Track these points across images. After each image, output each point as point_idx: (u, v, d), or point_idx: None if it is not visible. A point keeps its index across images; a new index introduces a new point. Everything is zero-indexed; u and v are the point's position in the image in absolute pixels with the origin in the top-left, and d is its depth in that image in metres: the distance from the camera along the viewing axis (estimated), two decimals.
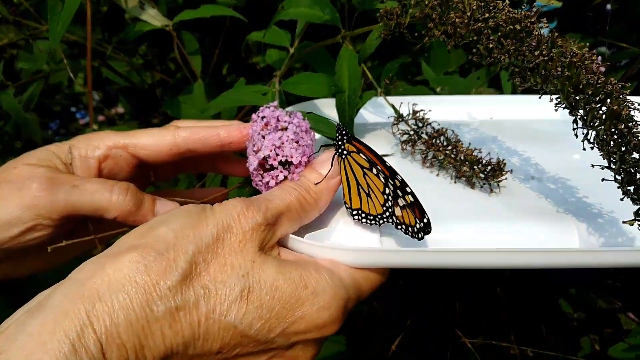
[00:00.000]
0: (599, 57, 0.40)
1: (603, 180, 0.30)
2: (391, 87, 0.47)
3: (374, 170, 0.35)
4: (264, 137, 0.37)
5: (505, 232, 0.36)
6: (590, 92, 0.28)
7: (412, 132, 0.44)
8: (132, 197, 0.37)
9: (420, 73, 0.85)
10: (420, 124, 0.44)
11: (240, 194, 0.54)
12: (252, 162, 0.36)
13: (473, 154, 0.41)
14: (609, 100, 0.27)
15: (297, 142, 0.36)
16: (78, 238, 0.39)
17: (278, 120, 0.37)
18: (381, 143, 0.47)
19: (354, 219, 0.36)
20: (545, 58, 0.29)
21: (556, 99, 0.31)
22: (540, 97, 0.32)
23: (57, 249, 0.39)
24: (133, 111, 1.16)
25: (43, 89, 0.97)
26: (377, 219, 0.35)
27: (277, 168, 0.36)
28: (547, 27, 0.31)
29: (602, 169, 0.29)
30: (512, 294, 0.91)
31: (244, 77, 1.25)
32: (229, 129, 0.40)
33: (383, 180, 0.35)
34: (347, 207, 0.37)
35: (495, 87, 0.74)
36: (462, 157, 0.40)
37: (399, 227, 0.35)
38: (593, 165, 0.30)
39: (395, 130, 0.45)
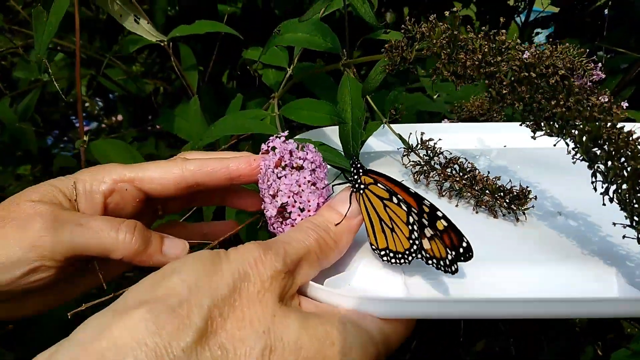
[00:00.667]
0: (599, 64, 0.40)
1: (624, 237, 0.28)
2: (397, 117, 0.46)
3: (395, 200, 0.33)
4: (279, 178, 0.35)
5: (540, 277, 0.33)
6: (612, 149, 0.26)
7: (423, 163, 0.42)
8: (139, 237, 0.35)
9: (417, 80, 0.84)
10: (431, 154, 0.42)
11: (250, 230, 0.52)
12: (270, 209, 0.35)
13: (493, 182, 0.39)
14: (631, 158, 0.26)
15: (314, 184, 0.35)
16: (82, 277, 0.38)
17: (291, 154, 0.36)
18: (393, 173, 0.45)
19: (382, 260, 0.34)
20: (563, 109, 0.28)
21: (573, 149, 0.29)
22: (555, 145, 0.31)
23: (61, 288, 0.37)
24: (132, 119, 1.15)
25: (43, 97, 0.96)
26: (405, 256, 0.33)
27: (295, 218, 0.34)
28: (562, 72, 0.29)
29: (624, 227, 0.28)
30: None
31: (242, 86, 1.25)
32: (239, 162, 0.38)
33: (405, 209, 0.33)
34: (373, 249, 0.34)
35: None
36: (482, 187, 0.39)
37: (430, 262, 0.33)
38: (614, 224, 0.29)
39: (406, 162, 0.43)
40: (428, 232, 0.32)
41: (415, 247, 0.32)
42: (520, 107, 0.30)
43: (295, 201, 0.34)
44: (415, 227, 0.32)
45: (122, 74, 0.98)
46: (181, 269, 0.28)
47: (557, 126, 0.29)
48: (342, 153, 0.44)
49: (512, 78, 0.30)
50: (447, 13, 0.35)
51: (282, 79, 0.57)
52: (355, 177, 0.34)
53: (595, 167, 0.28)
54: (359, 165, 0.35)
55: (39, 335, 0.63)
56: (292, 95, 0.59)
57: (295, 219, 0.34)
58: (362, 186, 0.34)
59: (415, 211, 0.33)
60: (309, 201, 0.34)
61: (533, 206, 0.39)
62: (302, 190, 0.34)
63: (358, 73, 0.45)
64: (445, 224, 0.32)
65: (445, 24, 0.35)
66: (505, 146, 0.49)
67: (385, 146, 0.49)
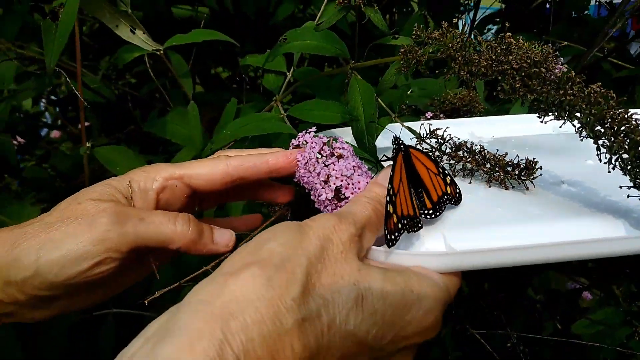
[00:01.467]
0: (561, 59, 0.46)
1: (629, 197, 0.35)
2: (406, 112, 0.51)
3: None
4: (326, 166, 0.39)
5: (562, 229, 0.39)
6: (614, 126, 0.32)
7: (435, 149, 0.47)
8: (194, 228, 0.38)
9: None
10: (441, 141, 0.47)
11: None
12: (325, 193, 0.39)
13: (503, 158, 0.44)
14: (631, 132, 0.32)
15: (359, 167, 0.40)
16: (133, 267, 0.41)
17: (325, 145, 0.40)
18: None
19: (426, 218, 0.39)
20: (570, 97, 0.34)
21: (579, 129, 0.35)
22: (561, 127, 0.37)
23: (114, 280, 0.40)
24: (100, 125, 1.15)
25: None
26: (443, 201, 0.40)
27: (348, 197, 0.39)
28: (565, 66, 0.35)
29: (629, 188, 0.34)
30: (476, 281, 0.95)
31: (205, 85, 1.26)
32: (277, 156, 0.42)
33: (434, 163, 0.40)
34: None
35: (467, 85, 0.79)
36: (493, 163, 0.44)
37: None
38: (621, 187, 0.35)
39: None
40: (448, 179, 0.40)
41: (449, 190, 0.40)
42: (531, 97, 0.36)
43: (348, 183, 0.39)
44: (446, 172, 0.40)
45: (96, 80, 0.99)
46: (275, 236, 0.32)
47: (565, 111, 0.35)
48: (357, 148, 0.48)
49: (523, 73, 0.36)
50: (448, 23, 0.40)
51: (282, 82, 0.61)
52: (397, 150, 0.40)
53: (600, 142, 0.34)
54: (401, 141, 0.40)
55: (52, 336, 0.65)
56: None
57: (349, 197, 0.39)
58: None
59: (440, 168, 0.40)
60: (359, 182, 0.39)
61: (541, 174, 0.44)
62: (352, 174, 0.39)
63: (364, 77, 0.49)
64: (450, 179, 0.40)
65: (454, 30, 0.40)
66: (493, 137, 0.55)
67: (387, 143, 0.54)
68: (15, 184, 1.05)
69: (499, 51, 0.37)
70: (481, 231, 0.39)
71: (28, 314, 0.38)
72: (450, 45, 0.39)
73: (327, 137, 0.41)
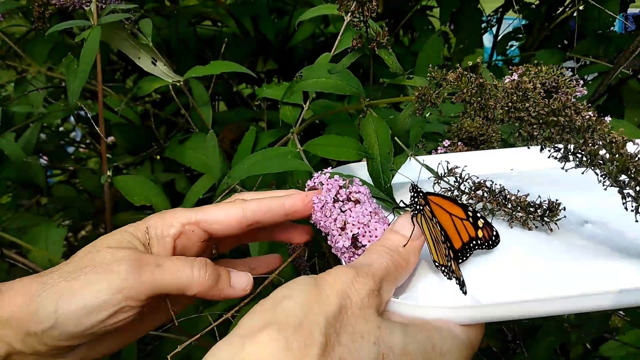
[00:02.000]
0: (581, 82, 0.44)
1: None
2: (421, 149, 0.50)
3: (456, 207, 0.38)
4: (343, 212, 0.39)
5: (588, 275, 0.37)
6: (639, 177, 0.32)
7: (454, 188, 0.47)
8: (211, 273, 0.38)
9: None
10: (459, 179, 0.46)
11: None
12: (342, 241, 0.38)
13: (525, 198, 0.43)
14: None
15: (377, 214, 0.39)
16: (152, 312, 0.40)
17: (342, 188, 0.40)
18: None
19: (445, 274, 0.37)
20: (590, 147, 0.33)
21: (601, 176, 0.34)
22: (583, 174, 0.36)
23: (132, 328, 0.40)
24: (127, 145, 1.17)
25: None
26: (470, 246, 0.38)
27: (365, 244, 0.38)
28: (589, 112, 0.34)
29: None
30: None
31: (228, 103, 1.27)
32: (293, 199, 0.41)
33: (462, 208, 0.38)
34: (437, 265, 0.38)
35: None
36: (514, 204, 0.43)
37: (483, 246, 0.39)
38: None
39: (438, 189, 0.48)
40: (480, 222, 0.38)
41: (479, 234, 0.38)
42: (550, 145, 0.35)
43: (365, 231, 0.38)
44: (477, 216, 0.39)
45: (119, 102, 1.01)
46: (291, 294, 0.31)
47: (585, 159, 0.34)
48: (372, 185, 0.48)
49: (541, 120, 0.35)
50: (470, 63, 0.39)
51: (298, 115, 0.61)
52: (416, 199, 0.38)
53: (625, 192, 0.33)
54: (419, 189, 0.39)
55: None
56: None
57: (366, 245, 0.38)
58: (422, 206, 0.38)
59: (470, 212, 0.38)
60: (375, 229, 0.38)
61: (565, 216, 0.43)
62: (369, 221, 0.38)
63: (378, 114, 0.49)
64: (483, 221, 0.38)
65: (469, 73, 0.39)
66: (512, 169, 0.54)
67: (404, 177, 0.53)
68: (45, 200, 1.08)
69: (514, 98, 0.36)
70: (504, 280, 0.38)
71: None
72: (465, 90, 0.38)
73: (344, 179, 0.41)
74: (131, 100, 1.07)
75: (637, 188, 0.31)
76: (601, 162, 0.33)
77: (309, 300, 0.30)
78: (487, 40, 1.72)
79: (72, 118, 1.38)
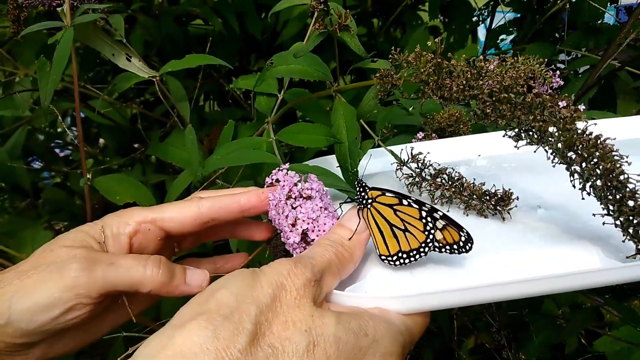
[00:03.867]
0: (557, 72, 0.44)
1: (604, 224, 0.33)
2: (388, 135, 0.50)
3: (405, 202, 0.38)
4: (294, 208, 0.39)
5: (533, 260, 0.38)
6: (585, 153, 0.31)
7: (415, 175, 0.46)
8: (164, 270, 0.38)
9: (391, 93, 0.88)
10: (421, 166, 0.46)
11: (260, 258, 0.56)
12: (293, 237, 0.39)
13: (480, 187, 0.43)
14: (601, 159, 0.31)
15: (326, 209, 0.39)
16: (110, 314, 0.41)
17: (296, 185, 0.40)
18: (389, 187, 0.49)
19: (395, 264, 0.38)
20: (540, 123, 0.32)
21: (551, 154, 0.34)
22: (535, 152, 0.35)
23: (90, 327, 0.40)
24: (115, 147, 1.17)
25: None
26: (421, 250, 0.37)
27: (314, 239, 0.38)
28: (535, 91, 0.34)
29: (603, 216, 0.33)
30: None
31: (221, 102, 1.27)
32: (249, 196, 0.42)
33: (417, 206, 0.37)
34: (383, 258, 0.38)
35: (465, 104, 0.77)
36: (470, 192, 0.43)
37: (444, 249, 0.37)
38: (594, 214, 0.33)
39: (400, 175, 0.47)
40: (440, 223, 0.37)
41: (430, 238, 0.37)
42: (502, 122, 0.34)
43: (314, 226, 0.39)
44: (429, 219, 0.37)
45: (106, 104, 1.01)
46: (226, 284, 0.31)
47: (535, 137, 0.33)
48: (335, 174, 0.48)
49: (493, 98, 0.34)
50: (429, 43, 0.39)
51: (273, 104, 0.61)
52: (363, 194, 0.39)
53: (572, 169, 0.33)
54: (363, 184, 0.39)
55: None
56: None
57: (314, 240, 0.39)
58: (369, 200, 0.38)
59: (426, 209, 0.37)
60: (324, 224, 0.39)
61: (516, 206, 0.43)
62: (319, 216, 0.39)
63: (349, 100, 0.49)
64: (444, 222, 0.37)
65: (429, 53, 0.39)
66: (479, 155, 0.54)
67: (377, 167, 0.53)
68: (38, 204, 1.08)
69: (469, 76, 0.35)
70: (452, 267, 0.38)
71: None
72: (423, 70, 0.38)
73: (300, 175, 0.41)
74: (121, 101, 1.08)
75: (583, 164, 0.31)
76: (550, 139, 0.33)
77: (242, 290, 0.31)
78: (482, 34, 1.71)
79: (68, 120, 1.38)
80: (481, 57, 0.36)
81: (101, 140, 1.33)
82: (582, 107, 0.35)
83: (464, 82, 0.36)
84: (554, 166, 0.34)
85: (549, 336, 0.98)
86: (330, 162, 0.53)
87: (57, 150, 1.39)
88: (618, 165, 0.31)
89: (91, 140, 1.37)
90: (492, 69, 0.36)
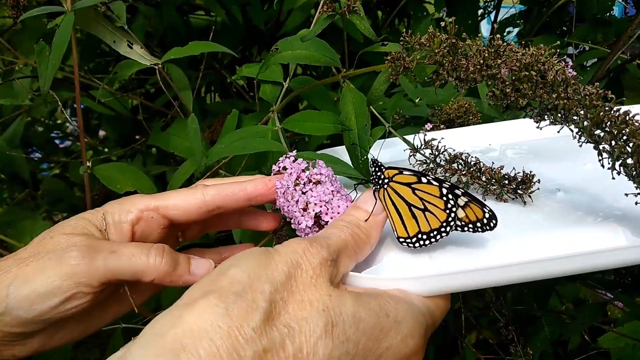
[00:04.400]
0: (570, 63, 0.43)
1: (637, 204, 0.32)
2: (400, 122, 0.48)
3: (424, 180, 0.36)
4: (304, 193, 0.38)
5: (557, 241, 0.37)
6: (614, 130, 0.30)
7: (429, 161, 0.45)
8: (168, 259, 0.37)
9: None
10: (436, 152, 0.45)
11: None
12: (305, 221, 0.37)
13: (499, 171, 0.42)
14: (632, 136, 0.29)
15: (338, 192, 0.38)
16: (112, 304, 0.39)
17: (304, 172, 0.39)
18: None
19: (415, 246, 0.36)
20: (564, 100, 0.31)
21: (577, 133, 0.32)
22: (559, 132, 0.34)
23: (91, 316, 0.39)
24: (116, 137, 1.16)
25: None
26: (442, 230, 0.36)
27: (328, 222, 0.37)
28: (558, 67, 0.32)
29: (636, 195, 0.31)
30: (499, 290, 0.92)
31: (223, 94, 1.26)
32: (255, 183, 0.40)
33: (437, 183, 0.36)
34: (402, 241, 0.37)
35: (473, 95, 0.76)
36: (489, 177, 0.42)
37: (467, 228, 0.36)
38: (627, 194, 0.32)
39: (413, 162, 0.46)
40: (462, 200, 0.35)
41: (451, 217, 0.35)
42: (523, 102, 0.33)
43: (327, 209, 0.37)
44: (450, 197, 0.35)
45: (107, 94, 0.99)
46: (238, 263, 0.30)
47: (560, 116, 0.32)
48: (344, 162, 0.46)
49: (513, 77, 0.33)
50: (442, 23, 0.38)
51: (279, 93, 0.60)
52: (379, 174, 0.37)
53: (601, 147, 0.31)
54: (379, 163, 0.37)
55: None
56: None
57: (328, 223, 0.37)
58: (386, 180, 0.37)
59: (447, 185, 0.35)
60: (338, 206, 0.37)
61: (538, 188, 0.42)
62: (331, 199, 0.37)
63: (357, 87, 0.47)
64: (466, 199, 0.35)
65: (442, 34, 0.37)
66: (490, 144, 0.52)
67: (384, 157, 0.51)
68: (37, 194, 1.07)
69: (486, 55, 0.34)
70: (472, 249, 0.36)
71: (6, 350, 0.37)
72: (437, 51, 0.36)
73: (307, 162, 0.40)
74: (122, 92, 1.06)
75: (613, 142, 0.29)
76: (575, 117, 0.31)
77: (256, 268, 0.29)
78: (485, 30, 1.70)
79: (69, 111, 1.37)
80: (498, 35, 0.35)
81: (102, 132, 1.31)
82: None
83: (481, 61, 0.34)
84: (580, 146, 0.33)
85: (553, 332, 0.97)
86: (339, 153, 0.51)
87: (57, 142, 1.38)
88: None
89: (91, 132, 1.36)
90: (509, 48, 0.34)
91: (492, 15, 1.31)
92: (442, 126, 0.59)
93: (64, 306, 0.35)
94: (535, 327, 0.96)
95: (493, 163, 0.43)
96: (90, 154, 1.32)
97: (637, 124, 0.29)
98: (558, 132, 0.34)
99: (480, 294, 1.00)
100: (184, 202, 0.40)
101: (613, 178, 0.31)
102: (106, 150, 1.21)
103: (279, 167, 0.41)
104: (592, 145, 0.31)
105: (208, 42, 0.65)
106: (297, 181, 0.39)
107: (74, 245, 0.36)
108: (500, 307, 0.80)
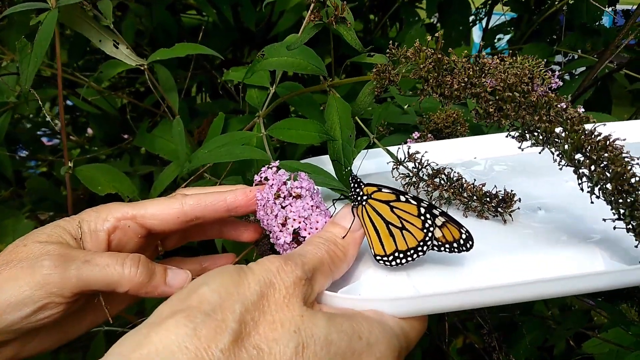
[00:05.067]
0: (557, 73, 0.43)
1: (615, 228, 0.32)
2: (384, 133, 0.48)
3: (402, 198, 0.36)
4: (284, 207, 0.37)
5: (536, 263, 0.36)
6: (593, 156, 0.30)
7: (412, 175, 0.45)
8: (143, 269, 0.36)
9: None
10: (419, 166, 0.45)
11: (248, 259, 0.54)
12: (283, 237, 0.37)
13: (480, 188, 0.42)
14: (611, 162, 0.29)
15: (318, 207, 0.38)
16: (87, 314, 0.39)
17: (285, 184, 0.38)
18: None
19: (391, 265, 0.36)
20: (546, 124, 0.31)
21: (558, 156, 0.32)
22: (540, 153, 0.34)
23: (65, 326, 0.38)
24: (103, 136, 1.14)
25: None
26: (419, 249, 0.35)
27: (306, 236, 0.37)
28: (542, 89, 0.32)
29: (614, 221, 0.31)
30: None
31: (213, 95, 1.26)
32: (235, 194, 0.40)
33: (415, 202, 0.35)
34: (378, 258, 0.36)
35: (461, 105, 0.76)
36: (470, 193, 0.42)
37: (443, 248, 0.36)
38: (605, 219, 0.32)
39: (396, 175, 0.46)
40: (439, 220, 0.35)
41: (429, 236, 0.35)
42: (506, 123, 0.33)
43: (306, 225, 0.37)
44: (428, 216, 0.35)
45: (94, 92, 0.98)
46: (209, 281, 0.29)
47: (541, 138, 0.32)
48: (327, 172, 0.46)
49: (497, 97, 0.33)
50: (428, 38, 0.37)
51: (265, 98, 0.59)
52: (357, 190, 0.37)
53: (580, 172, 0.31)
54: (358, 179, 0.37)
55: None
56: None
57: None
58: (364, 197, 0.36)
59: (425, 205, 0.35)
60: (317, 222, 0.37)
61: (519, 208, 0.42)
62: (310, 214, 0.37)
63: (343, 96, 0.47)
64: (444, 218, 0.35)
65: (429, 48, 0.37)
66: (475, 157, 0.52)
67: (369, 168, 0.51)
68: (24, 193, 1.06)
69: (471, 72, 0.34)
70: (451, 268, 0.36)
71: None
72: (422, 66, 0.36)
73: (289, 174, 0.40)
74: (111, 90, 1.05)
75: (592, 167, 0.29)
76: (557, 140, 0.31)
77: (227, 288, 0.29)
78: (477, 36, 1.70)
79: (56, 109, 1.35)
80: (484, 53, 0.35)
81: (90, 131, 1.30)
82: (580, 108, 0.34)
83: (466, 79, 0.34)
84: (560, 169, 0.32)
85: (538, 337, 0.98)
86: (324, 162, 0.51)
87: (44, 140, 1.36)
88: (629, 168, 0.29)
89: (79, 130, 1.35)
90: (494, 65, 0.34)
91: (484, 22, 1.31)
92: (429, 135, 0.59)
93: (35, 316, 0.34)
94: (518, 333, 0.97)
95: (475, 180, 0.43)
96: (77, 152, 1.30)
97: (617, 149, 0.29)
98: (539, 153, 0.34)
99: None
100: (162, 211, 0.40)
101: (592, 202, 0.31)
102: (94, 149, 1.20)
103: (261, 177, 0.40)
104: (572, 169, 0.31)
105: (195, 45, 0.64)
106: (278, 194, 0.38)
107: (47, 254, 0.35)
108: (483, 314, 0.80)
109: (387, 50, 0.40)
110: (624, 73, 1.01)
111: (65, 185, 1.20)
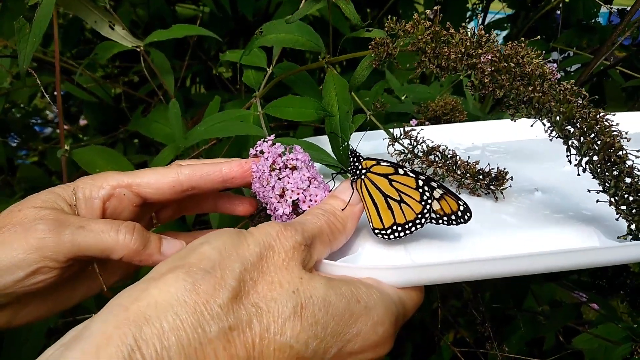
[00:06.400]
0: (555, 65, 0.43)
1: (598, 201, 0.32)
2: (381, 111, 0.48)
3: (401, 171, 0.36)
4: (280, 179, 0.37)
5: (531, 239, 0.37)
6: (584, 126, 0.30)
7: (407, 151, 0.45)
8: (138, 237, 0.36)
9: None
10: (414, 143, 0.45)
11: None
12: (282, 208, 0.37)
13: (473, 166, 0.42)
14: (601, 133, 0.29)
15: (315, 179, 0.38)
16: (81, 282, 0.39)
17: (280, 156, 0.38)
18: None
19: (390, 238, 0.36)
20: (539, 94, 0.31)
21: (548, 127, 0.33)
22: (532, 125, 0.34)
23: (59, 294, 0.38)
24: (98, 125, 1.14)
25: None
26: (416, 222, 0.36)
27: (306, 208, 0.37)
28: (537, 61, 0.33)
29: (598, 193, 0.32)
30: (477, 289, 0.93)
31: (208, 86, 1.25)
32: (231, 165, 0.40)
33: (413, 175, 0.36)
34: (377, 232, 0.37)
35: (459, 93, 0.76)
36: (463, 171, 0.42)
37: (441, 221, 0.36)
38: (589, 191, 0.32)
39: (392, 151, 0.46)
40: (437, 193, 0.35)
41: (427, 208, 0.35)
42: (500, 93, 0.33)
43: (305, 197, 0.37)
44: (426, 189, 0.35)
45: (89, 80, 0.98)
46: (210, 240, 0.30)
47: (534, 109, 0.32)
48: (322, 149, 0.46)
49: (492, 68, 0.33)
50: (428, 11, 0.38)
51: (262, 79, 0.59)
52: (357, 164, 0.37)
53: (570, 143, 0.31)
54: (357, 154, 0.37)
55: (28, 338, 0.63)
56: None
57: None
58: (363, 171, 0.37)
59: (423, 177, 0.35)
60: (316, 195, 0.37)
61: (510, 185, 0.42)
62: (308, 186, 0.37)
63: (340, 72, 0.47)
64: (441, 192, 0.36)
65: (427, 22, 0.37)
66: (473, 143, 0.53)
67: (365, 149, 0.51)
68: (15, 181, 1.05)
69: (468, 44, 0.34)
70: (447, 243, 0.37)
71: None
72: (421, 37, 0.36)
73: (284, 147, 0.40)
74: (105, 79, 1.05)
75: (582, 138, 0.30)
76: (549, 112, 0.31)
77: (227, 247, 0.29)
78: None
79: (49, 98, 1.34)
80: (482, 26, 0.35)
81: (83, 122, 1.30)
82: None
83: (463, 50, 0.34)
84: (550, 139, 0.33)
85: (529, 331, 0.98)
86: (321, 142, 0.51)
87: (36, 129, 1.35)
88: (618, 140, 0.30)
89: (72, 119, 1.34)
90: (491, 39, 0.34)
91: (481, 18, 1.31)
92: (427, 123, 0.59)
93: (29, 280, 0.34)
94: (511, 326, 0.97)
95: (469, 158, 0.44)
96: (70, 141, 1.30)
97: (607, 121, 0.30)
98: (531, 125, 0.34)
99: (459, 292, 1.01)
100: (158, 180, 0.40)
101: (578, 174, 0.32)
102: (86, 138, 1.19)
103: (256, 150, 0.41)
104: (562, 140, 0.32)
105: (193, 26, 0.65)
106: (273, 166, 0.38)
107: (42, 219, 0.35)
108: (477, 304, 0.81)
109: (386, 24, 0.40)
110: (618, 70, 1.01)
111: (57, 174, 1.19)
